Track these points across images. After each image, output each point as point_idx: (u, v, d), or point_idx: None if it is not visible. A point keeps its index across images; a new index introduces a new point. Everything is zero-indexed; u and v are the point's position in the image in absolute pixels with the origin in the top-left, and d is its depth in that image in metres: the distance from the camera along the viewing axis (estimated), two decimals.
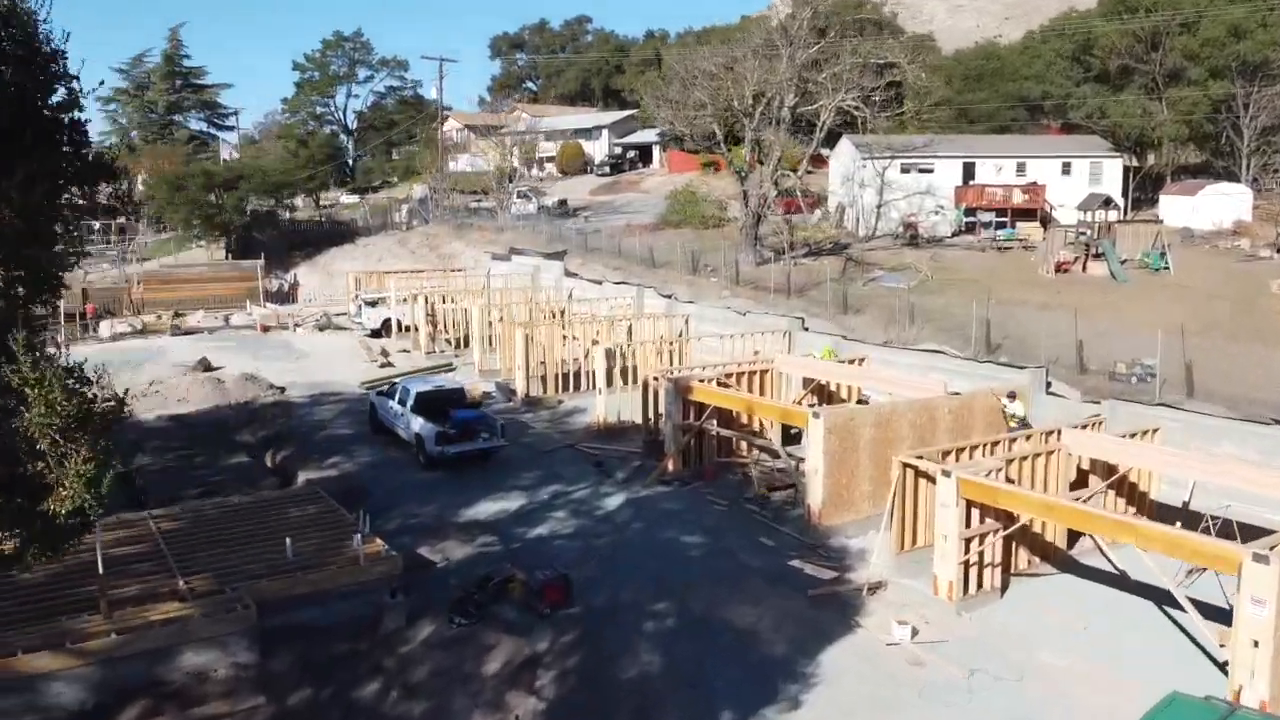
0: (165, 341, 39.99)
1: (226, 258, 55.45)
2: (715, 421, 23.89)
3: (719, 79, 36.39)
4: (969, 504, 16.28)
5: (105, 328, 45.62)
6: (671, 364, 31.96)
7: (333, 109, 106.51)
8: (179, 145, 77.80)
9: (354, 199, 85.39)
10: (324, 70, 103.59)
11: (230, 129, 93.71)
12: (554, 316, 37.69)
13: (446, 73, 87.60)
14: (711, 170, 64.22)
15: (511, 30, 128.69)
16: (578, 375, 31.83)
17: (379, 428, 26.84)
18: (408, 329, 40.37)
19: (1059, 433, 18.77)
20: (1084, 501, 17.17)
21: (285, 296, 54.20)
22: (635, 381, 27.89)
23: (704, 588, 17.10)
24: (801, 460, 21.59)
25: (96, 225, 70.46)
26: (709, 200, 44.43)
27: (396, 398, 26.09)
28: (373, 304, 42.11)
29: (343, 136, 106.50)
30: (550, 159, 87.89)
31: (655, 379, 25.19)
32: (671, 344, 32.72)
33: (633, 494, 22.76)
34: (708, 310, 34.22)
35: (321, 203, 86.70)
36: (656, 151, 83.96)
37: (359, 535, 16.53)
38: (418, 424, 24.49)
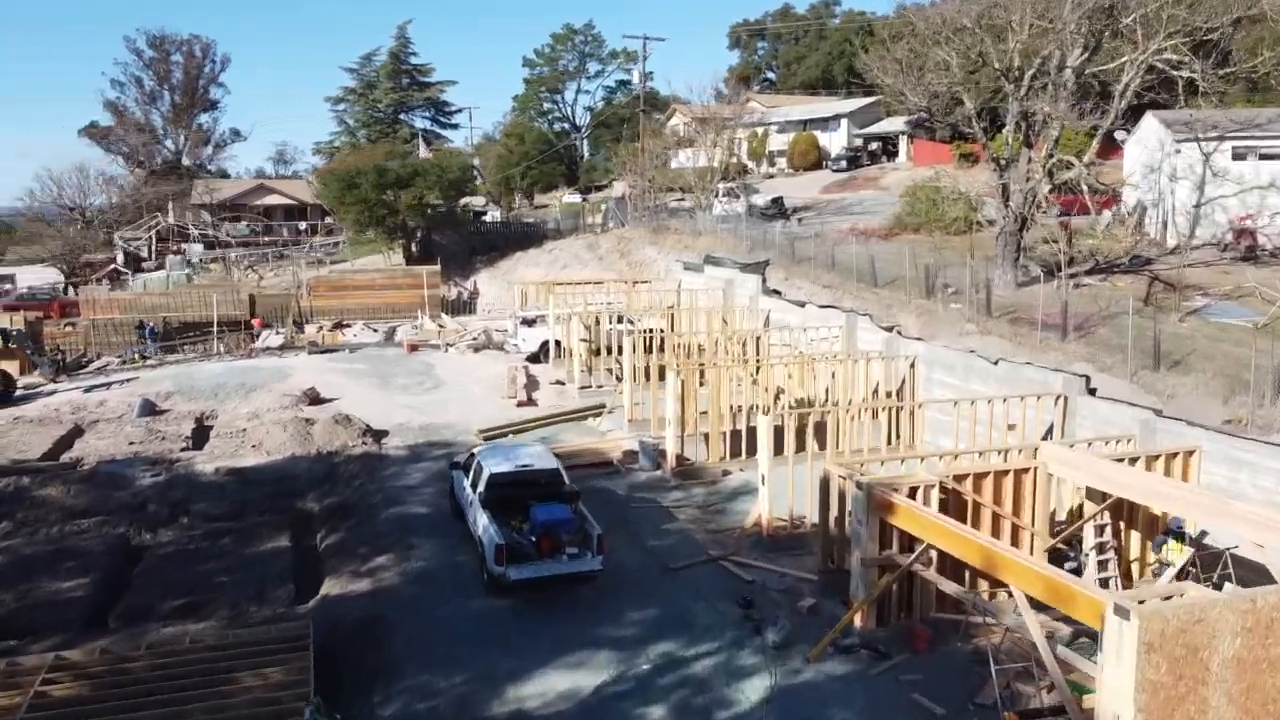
0: (297, 361, 35.03)
1: (407, 262, 50.87)
2: (933, 557, 14.58)
3: (973, 33, 26.26)
4: None
5: (263, 339, 41.74)
6: (890, 439, 22.61)
7: (560, 105, 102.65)
8: (399, 144, 75.58)
9: (575, 199, 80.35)
10: (553, 65, 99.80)
11: (455, 127, 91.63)
12: (733, 349, 29.10)
13: (650, 56, 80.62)
14: (967, 163, 52.96)
15: (753, 17, 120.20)
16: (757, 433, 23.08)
17: (459, 511, 19.42)
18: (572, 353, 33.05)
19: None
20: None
21: (464, 306, 48.82)
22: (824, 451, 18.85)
23: None
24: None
25: (303, 226, 69.31)
26: (956, 197, 33.98)
27: (470, 474, 18.59)
28: (530, 323, 35.21)
29: (572, 134, 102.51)
30: (781, 153, 78.81)
31: (842, 476, 16.10)
32: (885, 401, 23.41)
33: (789, 673, 14.01)
34: (943, 353, 24.41)
35: (537, 203, 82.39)
36: (903, 143, 72.81)
37: None
38: (482, 522, 16.80)
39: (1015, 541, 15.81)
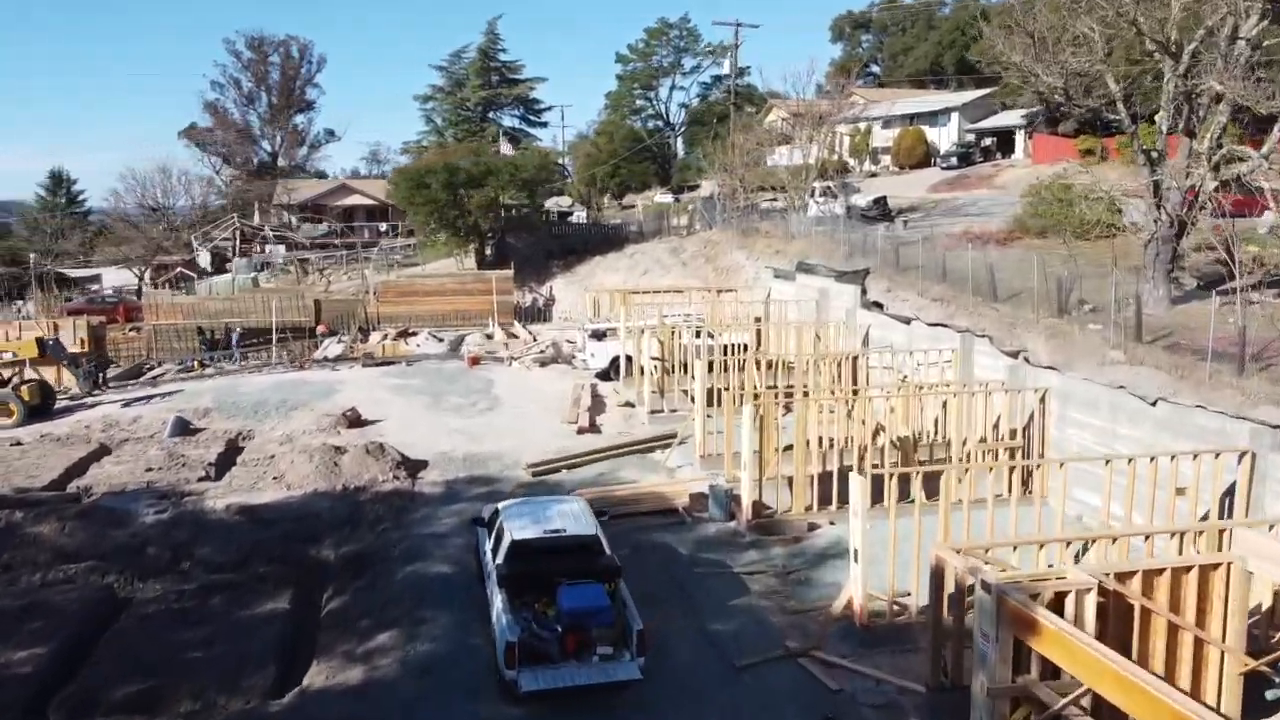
0: (348, 375, 32.39)
1: (479, 266, 48.12)
2: (1086, 698, 10.57)
3: (1122, 1, 21.68)
4: None
5: (323, 348, 39.47)
6: (1012, 484, 18.45)
7: (654, 102, 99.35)
8: (485, 143, 73.39)
9: (667, 198, 76.88)
10: (647, 61, 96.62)
11: (544, 125, 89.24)
12: (827, 369, 25.18)
13: (743, 43, 76.54)
14: (1094, 159, 47.50)
15: (857, 8, 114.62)
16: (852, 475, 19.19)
17: (483, 574, 16.07)
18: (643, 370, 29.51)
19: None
20: None
21: (538, 313, 45.85)
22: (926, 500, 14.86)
23: None
24: None
25: (383, 228, 67.49)
26: (1097, 197, 29.14)
27: (492, 535, 15.25)
28: (600, 336, 31.83)
29: (666, 132, 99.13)
30: (885, 150, 73.81)
31: (964, 570, 12.17)
32: (1009, 460, 19.33)
33: None
34: (1082, 386, 20.04)
35: (626, 203, 79.23)
36: (1019, 138, 67.05)
37: None
38: (496, 605, 13.43)
39: (1199, 661, 11.68)
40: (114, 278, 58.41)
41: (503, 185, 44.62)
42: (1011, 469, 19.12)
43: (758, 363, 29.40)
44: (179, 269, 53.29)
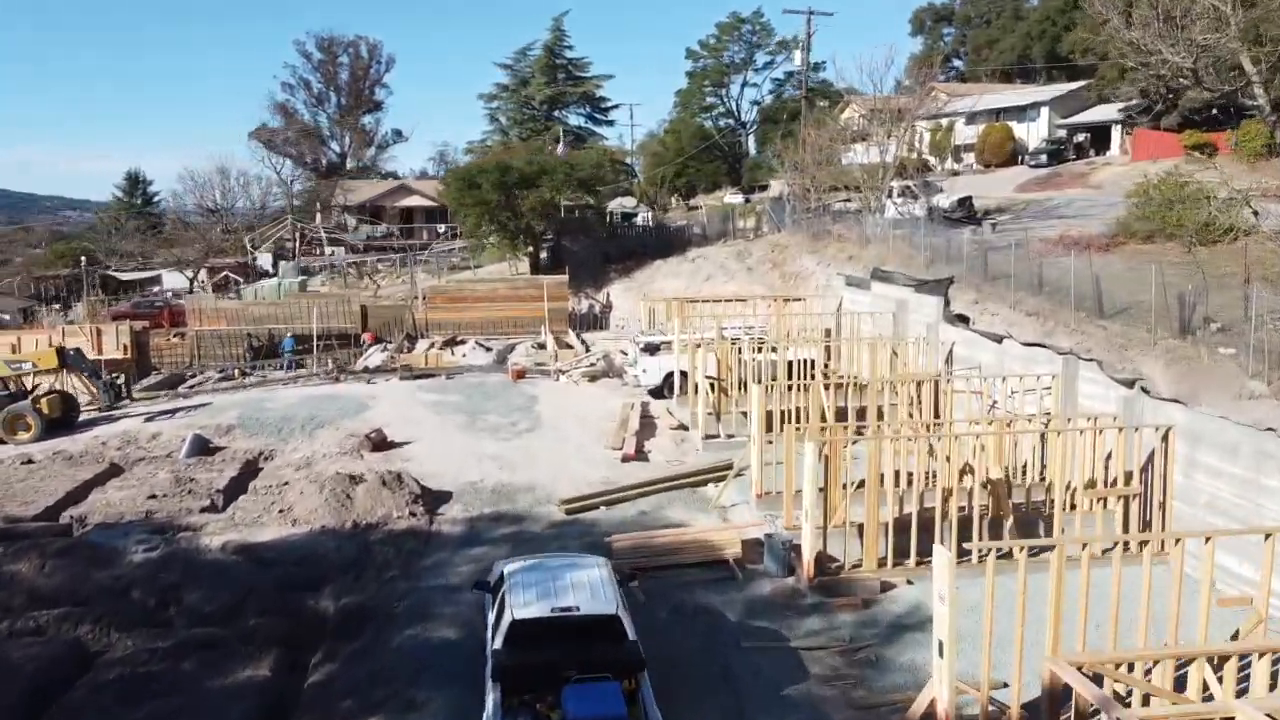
0: (383, 389, 30.26)
1: (533, 271, 45.81)
2: None
3: None
4: None
5: (365, 357, 37.58)
6: (1126, 525, 15.22)
7: (725, 100, 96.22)
8: (549, 141, 71.30)
9: (737, 199, 73.89)
10: (718, 57, 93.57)
11: (610, 124, 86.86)
12: (904, 391, 22.19)
13: (816, 31, 72.94)
14: (1203, 156, 43.21)
15: (939, 0, 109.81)
16: (933, 523, 16.31)
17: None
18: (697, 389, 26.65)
19: None
20: None
21: (594, 321, 43.39)
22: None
23: None
24: None
25: (442, 229, 65.74)
26: (1215, 196, 25.44)
27: (495, 605, 12.69)
28: (653, 350, 29.17)
29: (738, 130, 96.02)
30: (969, 147, 69.66)
31: (1088, 696, 9.17)
32: (1122, 495, 16.25)
33: None
34: (1214, 426, 16.68)
35: (693, 204, 76.44)
36: (1115, 133, 62.45)
37: None
38: (488, 705, 10.85)
39: None
40: (174, 280, 57.72)
41: (557, 185, 42.22)
42: (1143, 543, 15.88)
43: (826, 382, 26.54)
44: (225, 272, 52.14)
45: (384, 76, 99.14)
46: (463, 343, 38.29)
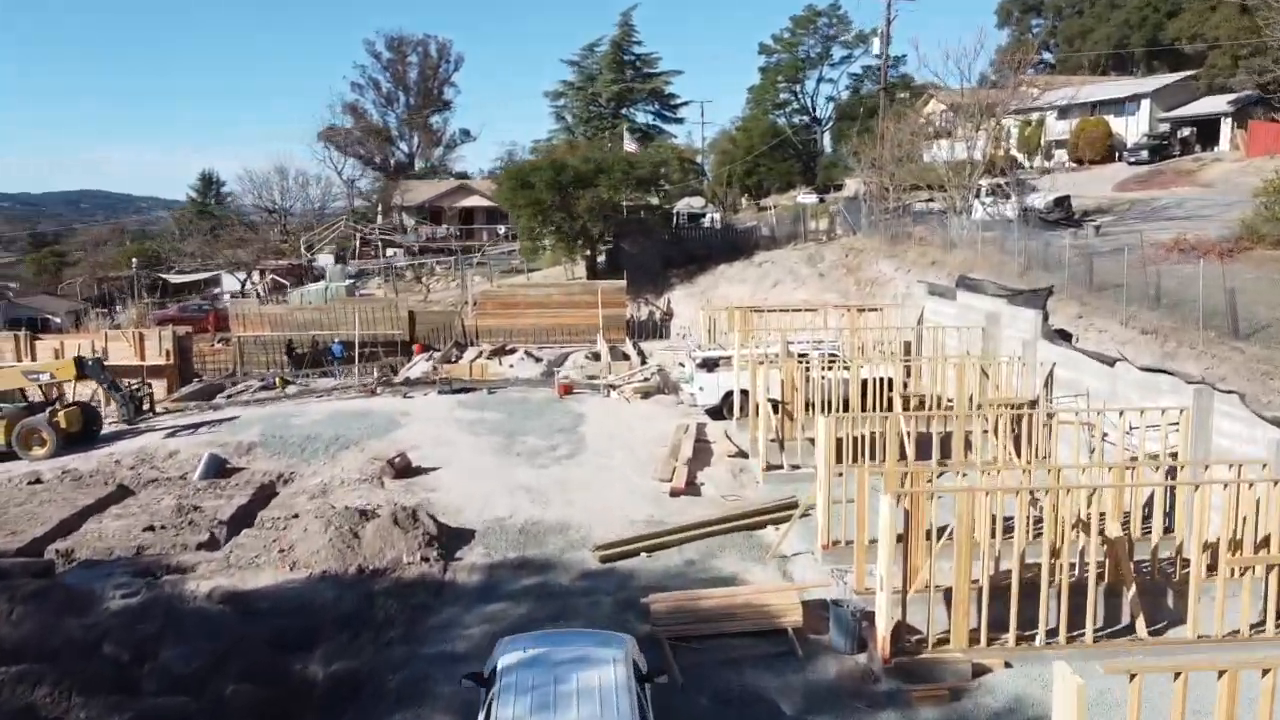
0: (419, 404, 28.05)
1: (590, 275, 43.29)
2: None
3: None
4: None
5: (409, 367, 35.53)
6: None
7: (800, 96, 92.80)
8: (605, 139, 68.88)
9: (811, 199, 70.60)
10: (792, 52, 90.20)
11: (679, 121, 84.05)
12: (996, 418, 19.14)
13: (896, 18, 69.10)
14: None
15: None
16: (1036, 586, 13.37)
17: None
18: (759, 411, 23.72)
19: None
20: None
21: (654, 329, 40.77)
22: None
23: None
24: None
25: (502, 230, 63.77)
26: None
27: (483, 709, 10.07)
28: (710, 366, 26.41)
29: (813, 128, 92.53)
30: (1060, 144, 65.23)
31: None
32: (1271, 565, 13.02)
33: None
34: None
35: (764, 204, 73.33)
36: (1225, 127, 57.59)
37: None
38: None
39: None
40: (234, 283, 56.77)
41: (615, 185, 39.62)
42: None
43: (906, 402, 23.47)
44: (271, 275, 50.81)
45: (453, 76, 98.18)
46: (512, 352, 36.01)
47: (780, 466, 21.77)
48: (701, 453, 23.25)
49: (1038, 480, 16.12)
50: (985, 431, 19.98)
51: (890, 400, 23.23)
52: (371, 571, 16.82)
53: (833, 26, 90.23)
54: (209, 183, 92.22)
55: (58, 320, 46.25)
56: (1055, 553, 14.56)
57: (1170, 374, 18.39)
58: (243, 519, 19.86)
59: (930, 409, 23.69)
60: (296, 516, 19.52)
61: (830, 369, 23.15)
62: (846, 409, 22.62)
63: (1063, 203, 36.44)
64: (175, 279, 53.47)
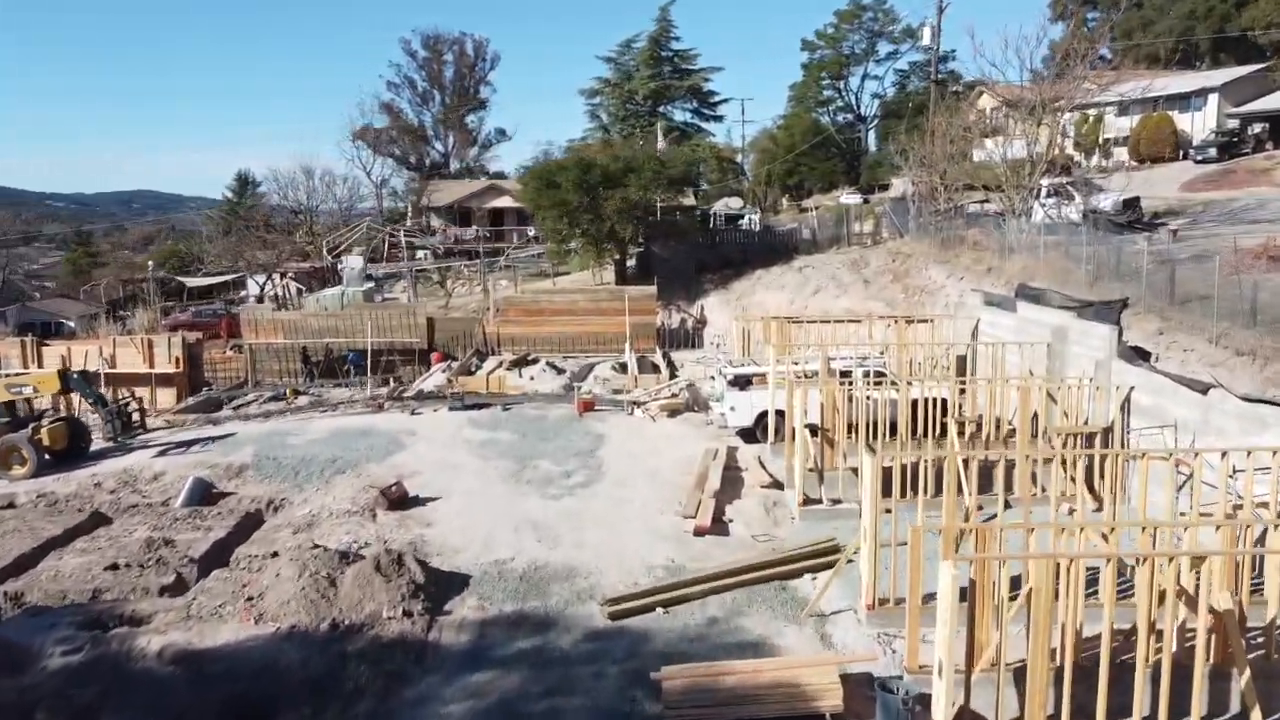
0: (427, 421, 25.98)
1: (619, 280, 40.91)
2: None
3: None
4: None
5: (424, 379, 33.56)
6: None
7: (844, 93, 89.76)
8: (635, 136, 66.53)
9: (855, 199, 67.75)
10: (836, 47, 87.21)
11: (719, 120, 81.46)
12: (1062, 449, 16.58)
13: (948, 6, 66.33)
14: None
15: None
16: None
17: None
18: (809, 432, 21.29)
19: None
20: None
21: (686, 338, 38.43)
22: None
23: None
24: None
25: (532, 232, 61.62)
26: None
27: None
28: (742, 384, 24.00)
29: (857, 126, 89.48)
30: (1120, 141, 61.74)
31: None
32: None
33: None
34: None
35: (805, 205, 70.54)
36: None
37: None
38: None
39: None
40: (257, 287, 55.27)
41: (645, 184, 37.26)
42: None
43: (961, 427, 20.90)
44: (289, 280, 49.05)
45: (489, 74, 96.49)
46: (534, 362, 33.87)
47: (819, 501, 19.35)
48: (731, 482, 20.90)
49: (1129, 542, 13.53)
50: (1049, 461, 17.41)
51: (943, 425, 20.68)
52: (346, 628, 14.67)
53: (878, 21, 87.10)
54: (245, 183, 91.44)
55: (71, 324, 45.03)
56: (1151, 625, 12.05)
57: (1276, 404, 15.72)
58: (216, 556, 17.87)
59: (988, 435, 21.17)
60: (275, 555, 17.47)
61: (875, 386, 20.68)
62: (894, 433, 20.20)
63: (1133, 204, 33.48)
64: (193, 282, 52.00)
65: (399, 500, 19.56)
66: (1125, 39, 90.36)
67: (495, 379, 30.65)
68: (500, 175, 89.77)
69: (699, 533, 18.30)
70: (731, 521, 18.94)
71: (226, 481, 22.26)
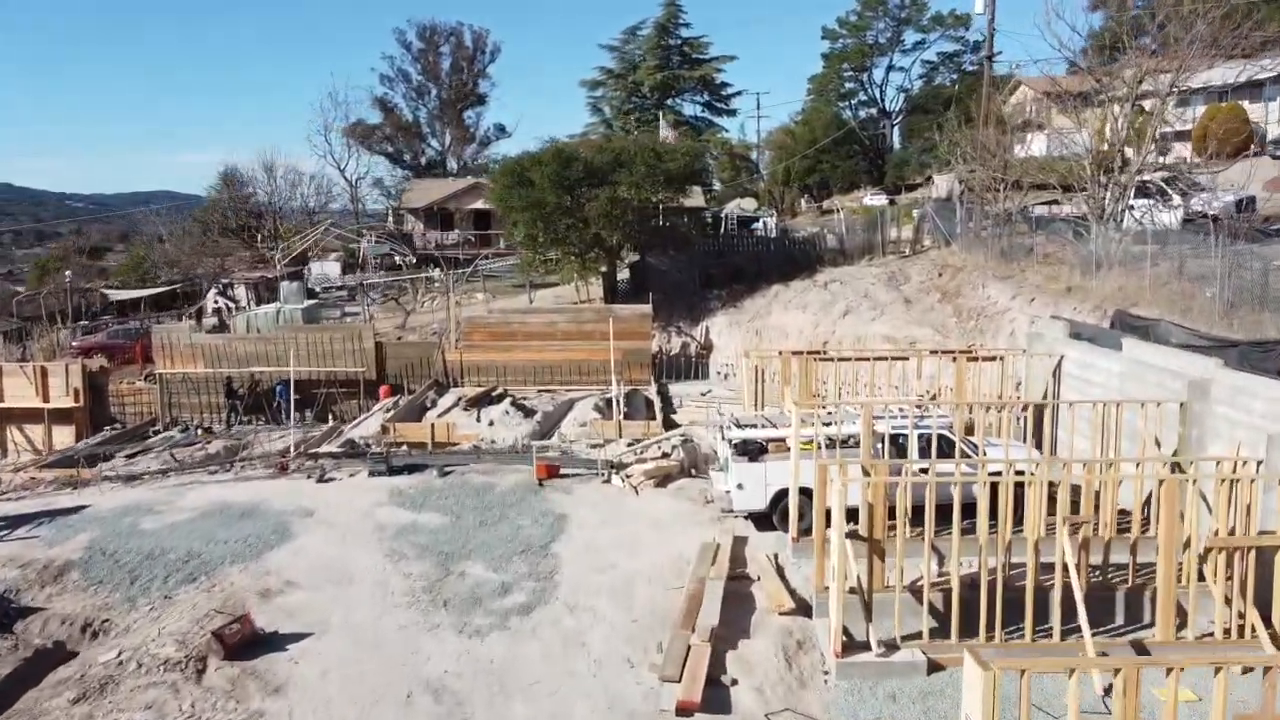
0: (332, 495, 19.69)
1: (608, 297, 34.45)
2: None
3: None
4: None
5: (356, 423, 27.36)
6: None
7: (867, 86, 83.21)
8: (656, 133, 60.16)
9: (879, 199, 61.19)
10: (859, 36, 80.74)
11: (732, 113, 75.06)
12: (1216, 562, 9.95)
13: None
14: None
15: None
16: None
17: None
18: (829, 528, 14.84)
19: None
20: None
21: (689, 367, 32.05)
22: None
23: None
24: None
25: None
26: None
27: None
28: (752, 453, 17.40)
29: (881, 121, 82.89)
30: (1181, 134, 54.88)
31: None
32: None
33: None
34: None
35: (826, 207, 64.03)
36: None
37: None
38: None
39: None
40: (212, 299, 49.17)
41: (637, 181, 30.80)
42: None
43: (1051, 500, 14.42)
44: (213, 294, 42.73)
45: (488, 67, 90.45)
46: (498, 400, 27.50)
47: (867, 645, 13.01)
48: (736, 603, 14.56)
49: None
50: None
51: (1038, 514, 14.19)
52: None
53: (904, 8, 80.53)
54: (230, 181, 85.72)
55: None
56: None
57: None
58: None
59: (1106, 535, 14.72)
60: None
61: (936, 451, 14.36)
62: (966, 524, 13.80)
63: (1247, 205, 27.01)
64: (118, 294, 45.34)
65: (240, 644, 13.26)
66: (1179, 22, 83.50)
67: (443, 425, 24.36)
68: (486, 171, 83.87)
69: (683, 711, 11.94)
70: (735, 685, 12.58)
71: (38, 589, 16.08)
